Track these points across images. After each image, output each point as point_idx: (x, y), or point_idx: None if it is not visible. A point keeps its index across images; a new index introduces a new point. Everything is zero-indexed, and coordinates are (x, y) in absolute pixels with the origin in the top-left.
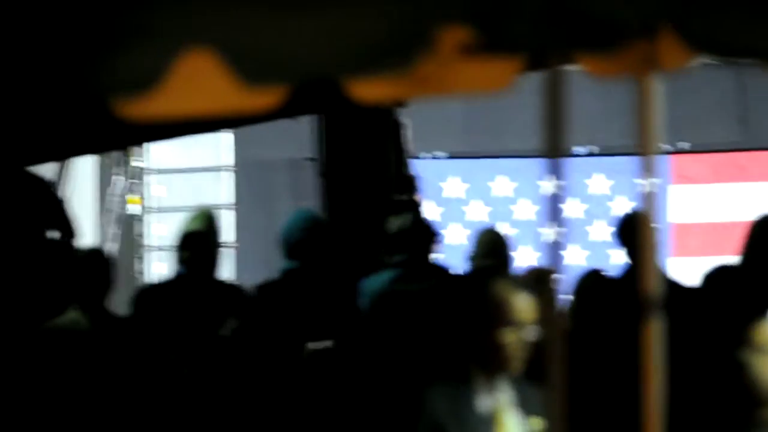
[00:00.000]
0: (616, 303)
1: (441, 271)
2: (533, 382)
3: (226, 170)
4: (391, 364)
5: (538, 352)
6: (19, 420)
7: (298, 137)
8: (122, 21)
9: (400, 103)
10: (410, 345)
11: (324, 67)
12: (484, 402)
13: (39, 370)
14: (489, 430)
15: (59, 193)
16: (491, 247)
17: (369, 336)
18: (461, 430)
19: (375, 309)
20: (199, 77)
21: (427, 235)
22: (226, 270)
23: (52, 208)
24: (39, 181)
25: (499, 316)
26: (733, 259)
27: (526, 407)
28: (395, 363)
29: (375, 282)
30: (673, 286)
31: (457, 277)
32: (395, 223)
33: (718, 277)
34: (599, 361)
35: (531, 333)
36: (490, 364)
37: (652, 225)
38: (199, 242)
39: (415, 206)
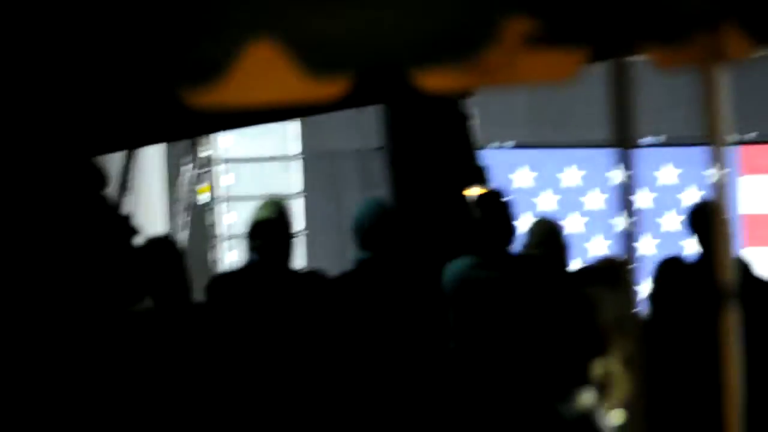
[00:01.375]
0: (694, 291)
1: (518, 259)
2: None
3: (295, 159)
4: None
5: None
6: (98, 409)
7: (366, 127)
8: (190, 12)
9: (467, 94)
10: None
11: (389, 58)
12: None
13: (116, 358)
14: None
15: (125, 184)
16: (543, 237)
17: (456, 326)
18: None
19: (458, 294)
20: (265, 67)
21: (507, 224)
22: (297, 259)
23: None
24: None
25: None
26: None
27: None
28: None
29: (454, 268)
30: (749, 277)
31: (537, 269)
32: (476, 211)
33: None
34: (679, 348)
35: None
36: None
37: (724, 215)
38: (270, 230)
39: (496, 196)
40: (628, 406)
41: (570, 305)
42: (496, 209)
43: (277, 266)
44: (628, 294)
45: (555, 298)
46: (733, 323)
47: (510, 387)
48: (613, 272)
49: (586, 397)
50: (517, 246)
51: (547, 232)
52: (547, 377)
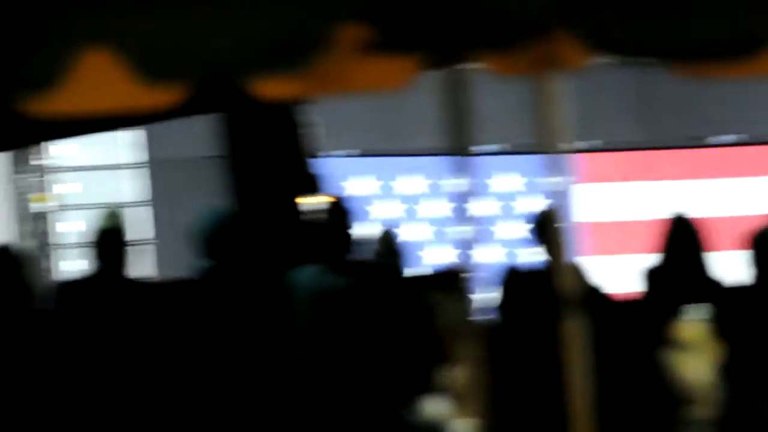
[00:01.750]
0: (541, 298)
1: (361, 266)
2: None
3: (139, 167)
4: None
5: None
6: None
7: (209, 135)
8: (24, 20)
9: (305, 101)
10: (363, 343)
11: (224, 66)
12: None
13: None
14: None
15: None
16: (390, 246)
17: (319, 334)
18: None
19: (308, 299)
20: (99, 76)
21: (346, 231)
22: (146, 267)
23: None
24: None
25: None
26: (647, 257)
27: None
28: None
29: (305, 275)
30: (591, 286)
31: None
32: (316, 219)
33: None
34: (525, 355)
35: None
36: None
37: (560, 223)
38: (109, 239)
39: (337, 205)
40: (480, 416)
41: (411, 311)
42: (338, 216)
43: (114, 276)
44: (464, 302)
45: (398, 304)
46: (574, 330)
47: (355, 392)
48: (453, 279)
49: (434, 405)
50: (359, 253)
51: (386, 242)
52: (390, 383)
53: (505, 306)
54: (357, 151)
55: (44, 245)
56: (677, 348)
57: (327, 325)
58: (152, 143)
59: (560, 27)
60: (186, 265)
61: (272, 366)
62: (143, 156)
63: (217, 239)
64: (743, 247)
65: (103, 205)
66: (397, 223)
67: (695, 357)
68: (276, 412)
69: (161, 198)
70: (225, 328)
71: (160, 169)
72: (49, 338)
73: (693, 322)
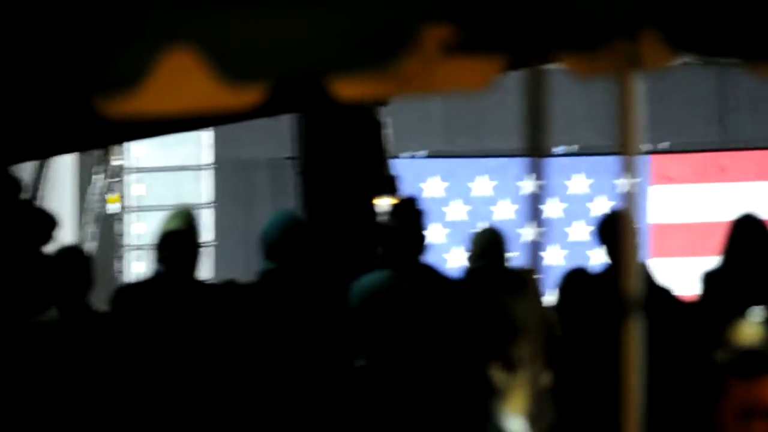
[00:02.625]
0: (600, 301)
1: (431, 271)
2: None
3: (206, 169)
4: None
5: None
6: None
7: (278, 136)
8: (105, 20)
9: (381, 102)
10: (416, 347)
11: (305, 66)
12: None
13: (20, 366)
14: None
15: (36, 193)
16: (485, 248)
17: (367, 337)
18: None
19: (370, 307)
20: (180, 76)
21: (418, 234)
22: (206, 269)
23: (26, 209)
24: (12, 180)
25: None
26: (714, 259)
27: None
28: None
29: (367, 282)
30: (654, 287)
31: (449, 280)
32: (390, 222)
33: (707, 278)
34: (584, 359)
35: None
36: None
37: (633, 225)
38: (178, 241)
39: (410, 206)
40: (530, 415)
41: (472, 313)
42: (411, 218)
43: (183, 278)
44: (535, 303)
45: (458, 307)
46: (635, 334)
47: (422, 401)
48: (520, 281)
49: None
50: (428, 256)
51: (488, 243)
52: (457, 390)
53: (563, 309)
54: (432, 152)
55: (118, 246)
56: (734, 350)
57: (386, 333)
58: (223, 144)
59: (645, 27)
60: (246, 268)
61: (322, 374)
62: (210, 157)
63: (279, 242)
64: None
65: (173, 207)
66: (489, 225)
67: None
68: (329, 419)
69: (225, 199)
70: (277, 331)
71: (226, 170)
72: (106, 340)
73: (750, 324)
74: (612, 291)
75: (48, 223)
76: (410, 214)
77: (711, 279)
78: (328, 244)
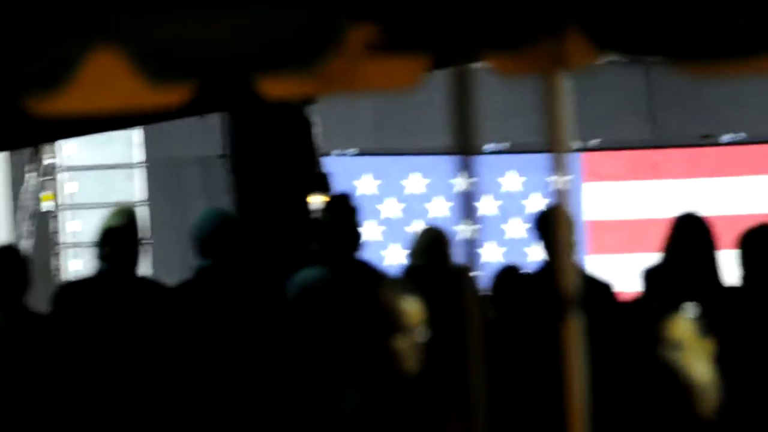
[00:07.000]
0: (534, 299)
1: (367, 267)
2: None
3: (138, 167)
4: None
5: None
6: None
7: (209, 134)
8: (31, 20)
9: (310, 101)
10: (326, 342)
11: (230, 65)
12: None
13: None
14: None
15: None
16: (427, 246)
17: (294, 330)
18: None
19: (300, 303)
20: (105, 76)
21: (353, 231)
22: (143, 267)
23: None
24: None
25: (389, 323)
26: (650, 256)
27: None
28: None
29: (303, 278)
30: (591, 283)
31: (385, 276)
32: (324, 219)
33: (648, 275)
34: (518, 357)
35: (421, 335)
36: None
37: (568, 221)
38: (119, 238)
39: (343, 202)
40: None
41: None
42: (345, 214)
43: (125, 274)
44: (471, 300)
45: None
46: (575, 331)
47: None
48: (457, 280)
49: None
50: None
51: (428, 241)
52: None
53: (498, 304)
54: (362, 150)
55: (54, 244)
56: (671, 346)
57: (312, 324)
58: (153, 142)
59: (570, 26)
60: (181, 265)
61: (261, 368)
62: (141, 155)
63: (212, 238)
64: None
65: (107, 204)
66: (431, 224)
67: (688, 355)
68: (270, 413)
69: (158, 197)
70: (212, 326)
71: (158, 168)
72: (47, 340)
73: (682, 319)
74: (548, 289)
75: None
76: (344, 210)
77: (652, 275)
78: (262, 240)
